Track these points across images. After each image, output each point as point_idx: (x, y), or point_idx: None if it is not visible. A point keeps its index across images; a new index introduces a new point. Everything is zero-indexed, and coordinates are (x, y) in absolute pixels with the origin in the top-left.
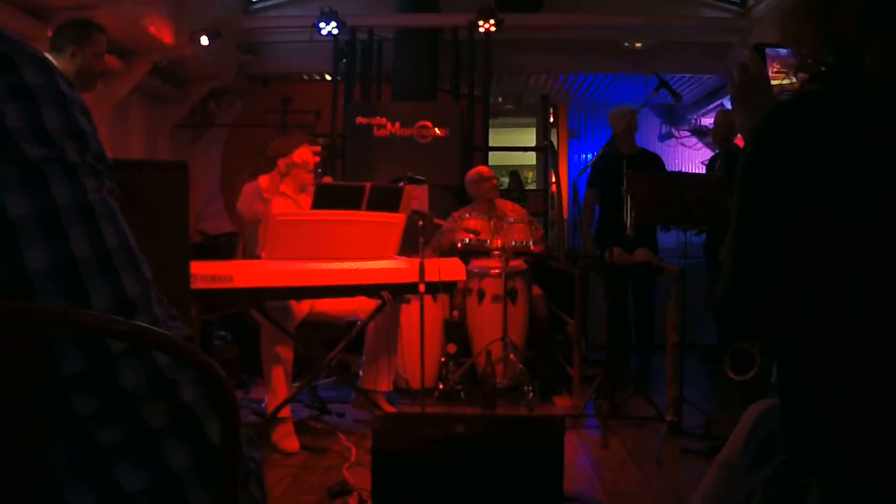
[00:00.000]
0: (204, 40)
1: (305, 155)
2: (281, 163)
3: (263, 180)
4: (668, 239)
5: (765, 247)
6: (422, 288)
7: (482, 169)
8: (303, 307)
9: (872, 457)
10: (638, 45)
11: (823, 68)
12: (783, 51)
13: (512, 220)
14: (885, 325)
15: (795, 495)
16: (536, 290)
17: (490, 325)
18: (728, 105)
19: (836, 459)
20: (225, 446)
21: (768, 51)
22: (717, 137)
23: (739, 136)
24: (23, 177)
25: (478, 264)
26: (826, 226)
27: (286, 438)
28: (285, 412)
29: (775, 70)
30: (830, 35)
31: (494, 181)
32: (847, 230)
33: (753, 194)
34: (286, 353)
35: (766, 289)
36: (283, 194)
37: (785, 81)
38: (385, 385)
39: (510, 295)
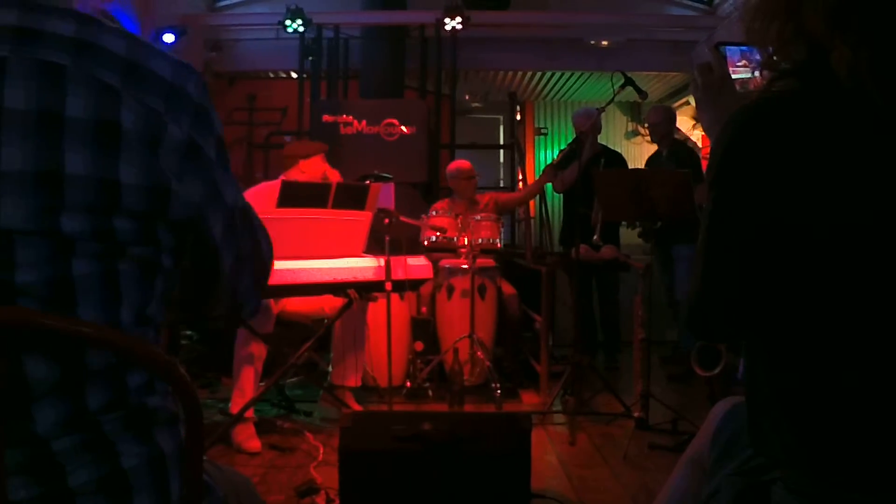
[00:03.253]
0: (169, 38)
1: (317, 168)
2: (302, 164)
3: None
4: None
5: (736, 248)
6: (388, 286)
7: (461, 164)
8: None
9: (836, 450)
10: (604, 43)
11: (791, 66)
12: (744, 48)
13: (479, 217)
14: (848, 320)
15: (760, 490)
16: (510, 289)
17: (459, 321)
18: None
19: (800, 453)
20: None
21: (728, 48)
22: (655, 135)
23: (705, 134)
24: None
25: (449, 261)
26: (797, 226)
27: (249, 439)
28: (248, 412)
29: (738, 64)
30: (798, 31)
31: (473, 180)
32: (817, 229)
33: (725, 195)
34: (260, 350)
35: (738, 291)
36: None
37: (746, 76)
38: (353, 381)
39: (479, 291)
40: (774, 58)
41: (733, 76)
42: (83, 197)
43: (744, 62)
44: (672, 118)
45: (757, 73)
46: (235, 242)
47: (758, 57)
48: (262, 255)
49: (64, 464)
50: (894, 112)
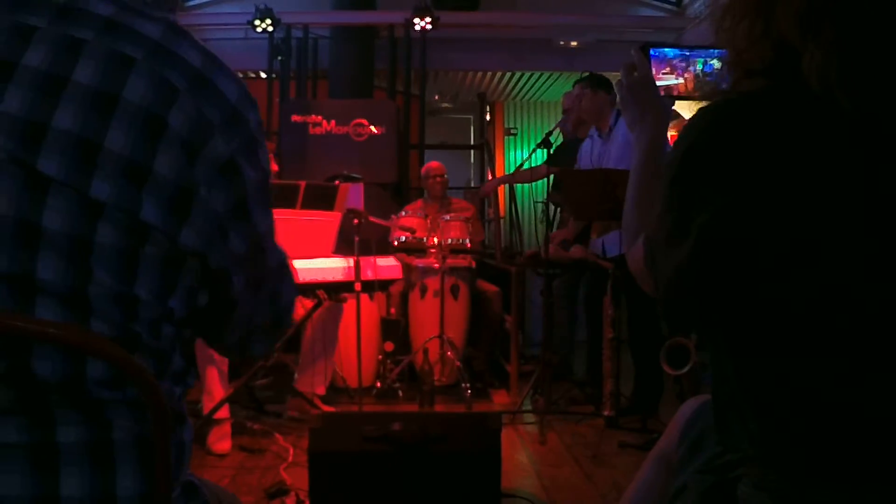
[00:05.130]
0: None
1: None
2: None
3: None
4: None
5: (703, 239)
6: (358, 286)
7: (432, 165)
8: None
9: (801, 441)
10: (573, 43)
11: (759, 65)
12: (669, 51)
13: (448, 217)
14: (813, 313)
15: (726, 487)
16: (492, 289)
17: (431, 321)
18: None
19: (766, 444)
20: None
21: (653, 52)
22: (566, 126)
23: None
24: None
25: (422, 261)
26: (759, 223)
27: (220, 440)
28: (223, 413)
29: (664, 71)
30: (767, 31)
31: (440, 179)
32: (779, 226)
33: (686, 193)
34: None
35: (702, 286)
36: None
37: (672, 82)
38: (321, 389)
39: (452, 292)
40: (742, 57)
41: (658, 83)
42: (115, 170)
43: (668, 68)
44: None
45: (681, 80)
46: (253, 267)
47: (683, 63)
48: (280, 300)
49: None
50: (861, 117)
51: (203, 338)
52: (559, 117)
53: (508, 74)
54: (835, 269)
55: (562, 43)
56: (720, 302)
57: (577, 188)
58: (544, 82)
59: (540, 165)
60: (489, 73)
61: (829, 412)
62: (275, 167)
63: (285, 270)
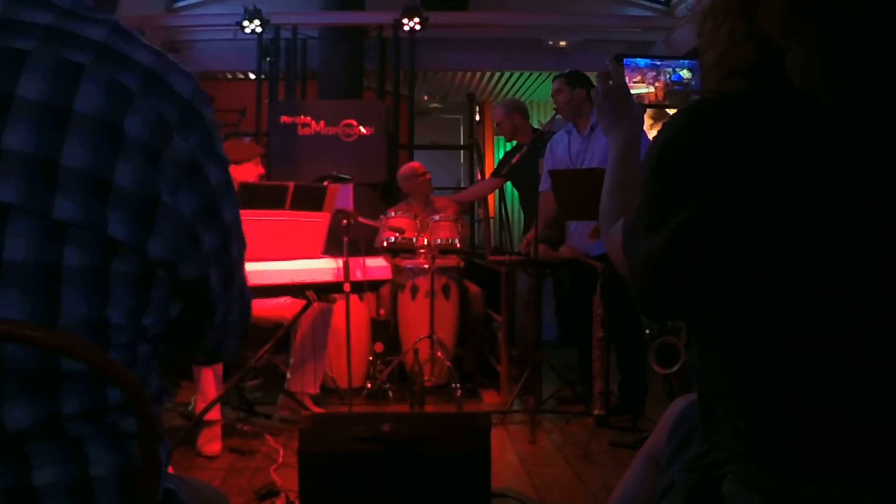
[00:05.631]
0: None
1: (251, 172)
2: (231, 170)
3: None
4: None
5: (679, 237)
6: (347, 287)
7: (415, 165)
8: None
9: (786, 436)
10: (562, 43)
11: (741, 66)
12: (641, 62)
13: (437, 217)
14: (794, 307)
15: (712, 485)
16: (474, 289)
17: (422, 322)
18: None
19: (751, 439)
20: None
21: (626, 61)
22: (506, 135)
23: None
24: None
25: (412, 261)
26: (738, 218)
27: (210, 442)
28: (215, 415)
29: (635, 80)
30: (750, 32)
31: (427, 176)
32: (758, 221)
33: (664, 187)
34: None
35: (681, 279)
36: None
37: (643, 91)
38: (312, 388)
39: (444, 292)
40: (724, 58)
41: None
42: (77, 187)
43: (639, 77)
44: (513, 110)
45: (652, 88)
46: (225, 262)
47: (653, 73)
48: (246, 290)
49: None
50: (844, 115)
51: (178, 350)
52: (549, 117)
53: (498, 74)
54: (819, 269)
55: (551, 43)
56: (700, 299)
57: (567, 188)
58: (533, 82)
59: (487, 180)
60: (478, 74)
61: (817, 411)
62: (261, 170)
63: (243, 257)
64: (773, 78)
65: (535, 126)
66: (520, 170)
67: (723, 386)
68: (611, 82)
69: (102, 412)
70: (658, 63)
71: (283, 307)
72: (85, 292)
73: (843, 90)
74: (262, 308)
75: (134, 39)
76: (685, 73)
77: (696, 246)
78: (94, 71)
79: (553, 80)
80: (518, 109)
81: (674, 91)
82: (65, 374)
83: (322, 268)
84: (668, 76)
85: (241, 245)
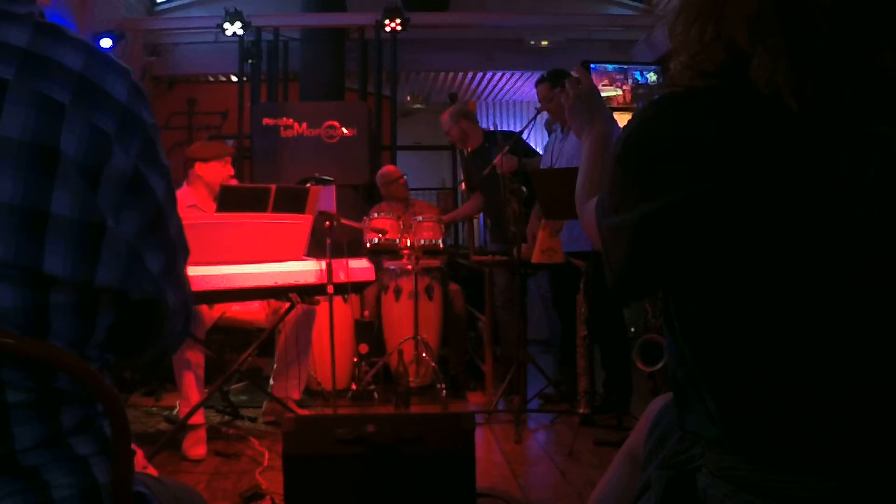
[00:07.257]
0: (106, 42)
1: (218, 172)
2: (197, 167)
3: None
4: None
5: (642, 228)
6: (330, 289)
7: (390, 168)
8: (213, 313)
9: (758, 420)
10: (544, 43)
11: (711, 68)
12: (609, 66)
13: (420, 218)
14: (763, 294)
15: (686, 480)
16: (453, 286)
17: (406, 322)
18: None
19: (725, 425)
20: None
21: (593, 66)
22: (453, 140)
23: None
24: None
25: (395, 262)
26: (706, 212)
27: (194, 446)
28: (199, 418)
29: (603, 84)
30: (718, 35)
31: (402, 180)
32: (727, 215)
33: (631, 168)
34: (196, 357)
35: (645, 269)
36: (194, 206)
37: (611, 94)
38: (296, 393)
39: (427, 292)
40: (695, 59)
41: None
42: (6, 222)
43: (606, 80)
44: (460, 118)
45: (620, 91)
46: (176, 277)
47: (621, 76)
48: (185, 278)
49: None
50: (807, 121)
51: (125, 356)
52: (531, 117)
53: (480, 74)
54: (782, 262)
55: (532, 42)
56: (668, 289)
57: (548, 187)
58: (516, 82)
59: (470, 200)
60: (461, 74)
61: (790, 397)
62: (230, 171)
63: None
64: (742, 80)
65: (521, 126)
66: (482, 175)
67: (693, 370)
68: (580, 86)
69: (58, 438)
70: (626, 67)
71: (266, 310)
72: (21, 327)
73: (807, 94)
74: (242, 310)
75: (60, 34)
76: (651, 76)
77: (658, 240)
78: (18, 85)
79: (536, 85)
80: (465, 116)
81: (640, 93)
82: (13, 405)
83: (305, 270)
84: (634, 80)
85: (186, 254)
